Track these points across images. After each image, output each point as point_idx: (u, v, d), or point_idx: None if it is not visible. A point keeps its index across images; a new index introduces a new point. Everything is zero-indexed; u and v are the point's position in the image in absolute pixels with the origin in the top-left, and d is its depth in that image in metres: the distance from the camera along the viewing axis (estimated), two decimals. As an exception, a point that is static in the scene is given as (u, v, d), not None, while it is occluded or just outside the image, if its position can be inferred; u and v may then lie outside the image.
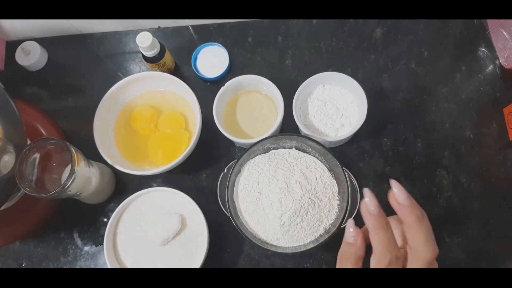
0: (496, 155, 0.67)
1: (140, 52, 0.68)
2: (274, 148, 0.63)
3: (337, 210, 0.59)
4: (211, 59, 0.74)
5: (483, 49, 0.73)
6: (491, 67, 0.72)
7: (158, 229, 0.60)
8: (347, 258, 0.43)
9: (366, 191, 0.43)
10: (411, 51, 0.73)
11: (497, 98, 0.70)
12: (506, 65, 0.69)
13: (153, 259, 0.61)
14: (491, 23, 0.71)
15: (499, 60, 0.71)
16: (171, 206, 0.63)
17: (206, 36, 0.76)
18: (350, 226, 0.44)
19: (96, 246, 0.67)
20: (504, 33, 0.68)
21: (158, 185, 0.69)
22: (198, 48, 0.74)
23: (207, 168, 0.70)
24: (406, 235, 0.41)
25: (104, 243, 0.60)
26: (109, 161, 0.62)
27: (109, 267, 0.60)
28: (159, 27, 0.78)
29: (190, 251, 0.61)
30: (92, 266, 0.67)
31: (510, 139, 0.67)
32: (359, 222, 0.65)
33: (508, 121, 0.67)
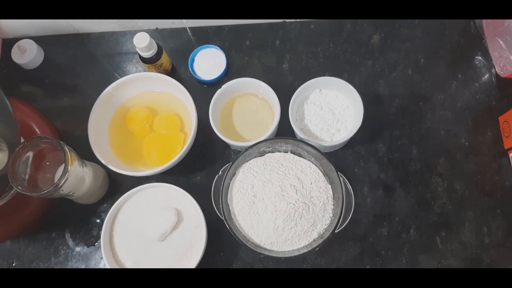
0: (490, 163, 0.67)
1: (137, 52, 0.68)
2: (269, 152, 0.63)
3: (331, 215, 0.59)
4: (208, 61, 0.74)
5: (479, 58, 0.73)
6: (487, 75, 0.72)
7: (155, 225, 0.60)
8: None
9: None
10: (408, 58, 0.74)
11: (493, 106, 0.70)
12: (502, 74, 0.70)
13: (153, 255, 0.60)
14: (488, 32, 0.72)
15: (495, 69, 0.71)
16: (165, 201, 0.63)
17: (203, 38, 0.76)
18: None
19: (88, 247, 0.67)
20: (500, 42, 0.68)
21: (152, 187, 0.69)
22: (195, 50, 0.74)
23: (201, 170, 0.69)
24: None
25: (102, 247, 0.59)
26: (103, 161, 0.62)
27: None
28: (156, 28, 0.78)
29: (190, 242, 0.60)
30: (83, 267, 0.66)
31: (505, 148, 0.67)
32: (353, 226, 0.65)
33: (503, 129, 0.68)
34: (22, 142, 0.53)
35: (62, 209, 0.68)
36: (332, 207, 0.59)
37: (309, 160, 0.62)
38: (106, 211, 0.64)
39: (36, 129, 0.68)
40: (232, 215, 0.59)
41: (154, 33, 0.77)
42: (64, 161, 0.53)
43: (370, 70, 0.73)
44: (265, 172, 0.60)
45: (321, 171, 0.61)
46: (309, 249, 0.56)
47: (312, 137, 0.64)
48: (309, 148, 0.59)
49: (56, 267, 0.66)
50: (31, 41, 0.75)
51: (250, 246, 0.56)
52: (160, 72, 0.70)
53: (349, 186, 0.58)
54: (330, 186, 0.60)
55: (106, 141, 0.67)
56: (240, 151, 0.66)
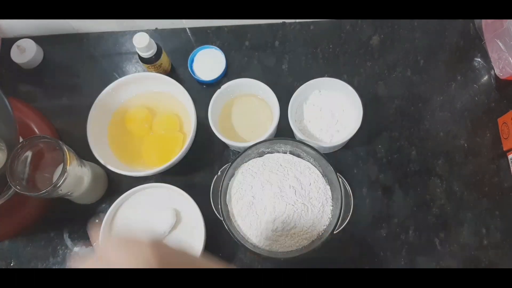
0: (489, 165, 0.67)
1: (136, 53, 0.68)
2: (268, 152, 0.63)
3: (330, 216, 0.59)
4: (208, 62, 0.74)
5: (479, 59, 0.73)
6: (486, 77, 0.72)
7: (154, 225, 0.60)
8: None
9: None
10: (407, 59, 0.74)
11: (492, 108, 0.70)
12: (501, 75, 0.70)
13: None
14: (487, 34, 0.72)
15: (494, 70, 0.71)
16: (164, 202, 0.63)
17: (203, 39, 0.76)
18: None
19: (86, 247, 0.67)
20: (500, 44, 0.68)
21: (151, 187, 0.68)
22: (195, 50, 0.74)
23: (200, 171, 0.69)
24: None
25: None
26: (101, 161, 0.62)
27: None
28: (156, 28, 0.78)
29: (188, 242, 0.60)
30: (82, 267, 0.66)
31: (504, 149, 0.67)
32: (352, 227, 0.65)
33: (502, 131, 0.68)
34: (21, 142, 0.53)
35: (60, 209, 0.68)
36: (331, 208, 0.59)
37: (308, 161, 0.62)
38: (104, 211, 0.64)
39: (35, 128, 0.68)
40: (231, 215, 0.59)
41: (154, 33, 0.77)
42: (63, 160, 0.53)
43: (370, 71, 0.73)
44: (264, 173, 0.60)
45: (320, 172, 0.61)
46: (308, 250, 0.56)
47: (311, 138, 0.64)
48: (308, 149, 0.59)
49: (54, 267, 0.66)
50: (30, 40, 0.75)
51: (248, 247, 0.56)
52: (159, 73, 0.70)
53: (348, 187, 0.58)
54: (329, 187, 0.60)
55: (105, 141, 0.67)
56: (239, 152, 0.66)
